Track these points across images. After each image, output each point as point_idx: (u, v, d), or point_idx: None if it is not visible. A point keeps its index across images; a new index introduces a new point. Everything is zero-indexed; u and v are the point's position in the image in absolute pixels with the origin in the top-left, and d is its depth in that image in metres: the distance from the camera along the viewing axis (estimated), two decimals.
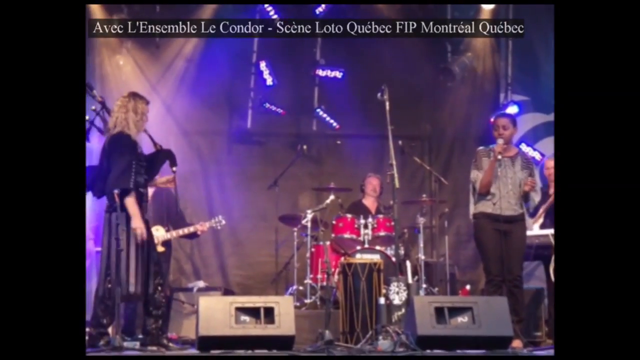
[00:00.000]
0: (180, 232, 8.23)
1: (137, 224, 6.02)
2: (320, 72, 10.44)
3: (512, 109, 10.35)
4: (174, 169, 6.44)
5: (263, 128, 10.55)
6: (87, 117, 6.35)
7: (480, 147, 7.09)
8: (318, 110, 10.47)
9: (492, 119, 7.16)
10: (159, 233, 8.00)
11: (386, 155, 6.74)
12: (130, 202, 6.01)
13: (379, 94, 6.86)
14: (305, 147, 9.77)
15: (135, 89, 9.54)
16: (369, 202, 9.45)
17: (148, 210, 6.57)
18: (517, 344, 6.23)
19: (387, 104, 6.82)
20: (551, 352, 5.96)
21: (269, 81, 10.29)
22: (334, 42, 10.48)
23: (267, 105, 10.32)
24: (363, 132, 10.30)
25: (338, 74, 10.42)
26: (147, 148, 6.48)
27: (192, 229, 8.31)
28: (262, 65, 10.26)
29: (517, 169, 6.88)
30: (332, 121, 10.52)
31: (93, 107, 6.46)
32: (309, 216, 8.83)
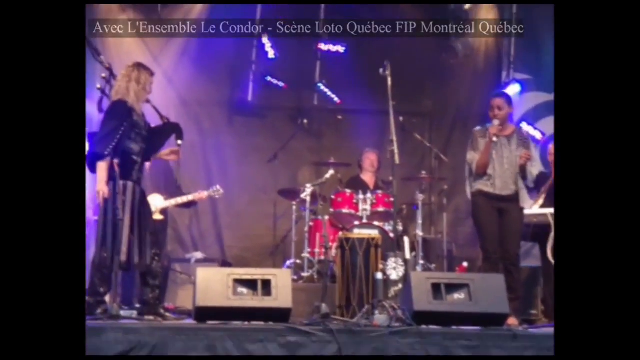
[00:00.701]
0: (179, 200, 8.25)
1: (99, 187, 6.03)
2: (323, 46, 10.39)
3: (514, 88, 10.33)
4: (179, 142, 6.44)
5: (264, 101, 10.52)
6: (98, 86, 6.36)
7: (477, 128, 7.10)
8: (319, 84, 10.44)
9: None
10: (157, 201, 8.02)
11: (387, 131, 6.73)
12: (101, 167, 6.03)
13: (381, 70, 6.84)
14: (305, 121, 9.78)
15: (137, 59, 9.61)
16: (367, 177, 9.46)
17: (145, 179, 6.58)
18: (512, 321, 6.28)
19: (389, 79, 6.81)
20: (546, 330, 6.02)
21: (271, 54, 10.26)
22: (337, 17, 10.44)
23: (269, 78, 10.30)
24: (364, 107, 10.27)
25: (340, 49, 10.38)
26: (153, 121, 6.49)
27: (190, 197, 8.34)
28: (264, 38, 10.22)
29: (513, 148, 6.91)
30: (333, 96, 10.49)
31: (103, 75, 6.44)
32: (308, 190, 8.84)
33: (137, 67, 6.33)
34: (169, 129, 6.44)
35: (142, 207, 6.20)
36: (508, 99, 7.07)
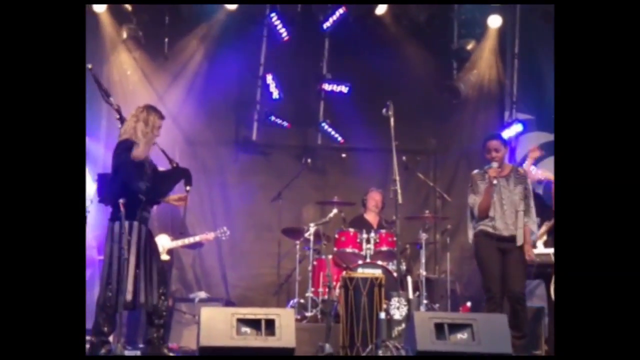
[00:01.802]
0: (186, 241, 8.27)
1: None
2: (326, 87, 10.49)
3: (517, 128, 10.39)
4: (188, 188, 6.42)
5: (268, 140, 10.60)
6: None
7: (475, 171, 7.13)
8: (323, 124, 10.52)
9: (483, 141, 7.19)
10: (164, 241, 8.04)
11: (391, 169, 6.77)
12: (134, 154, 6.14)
13: (384, 110, 6.90)
14: (309, 160, 9.82)
15: (142, 99, 9.69)
16: (371, 216, 9.48)
17: (152, 219, 6.59)
18: None
19: (392, 119, 6.86)
20: None
21: (275, 94, 10.35)
22: (340, 56, 10.57)
23: (273, 118, 10.39)
24: (368, 145, 10.34)
25: (344, 89, 10.47)
26: (160, 163, 6.53)
27: (197, 238, 8.36)
28: (269, 78, 10.33)
29: (511, 187, 6.94)
30: (336, 135, 10.57)
31: (117, 117, 6.48)
32: (312, 230, 8.85)
33: (146, 109, 6.37)
34: (178, 174, 6.43)
35: (148, 247, 6.19)
36: (503, 141, 7.14)
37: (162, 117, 6.41)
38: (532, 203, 6.93)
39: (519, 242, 6.82)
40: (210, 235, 8.52)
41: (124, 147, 6.17)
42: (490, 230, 6.87)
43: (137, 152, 6.12)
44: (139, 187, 6.16)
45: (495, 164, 6.89)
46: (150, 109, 6.38)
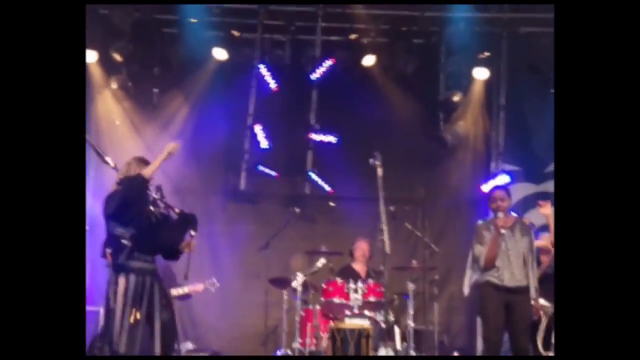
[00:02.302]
0: (175, 292, 8.22)
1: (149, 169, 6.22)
2: (315, 137, 10.56)
3: (503, 179, 10.46)
4: (193, 233, 6.40)
5: (257, 189, 10.63)
6: None
7: (480, 221, 7.20)
8: (311, 172, 10.56)
9: (487, 191, 7.24)
10: None
11: (379, 218, 6.80)
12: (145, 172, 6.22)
13: (371, 160, 6.96)
14: (298, 210, 9.83)
15: (130, 149, 9.75)
16: (359, 266, 9.47)
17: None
18: None
19: (379, 169, 6.91)
20: None
21: (264, 144, 10.41)
22: (328, 107, 10.67)
23: (261, 167, 10.43)
24: (356, 195, 10.37)
25: (332, 139, 10.54)
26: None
27: (186, 289, 8.32)
28: (257, 128, 10.40)
29: (517, 238, 6.99)
30: (324, 185, 10.61)
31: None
32: (300, 280, 8.83)
33: (135, 161, 6.40)
34: (185, 221, 6.43)
35: (140, 298, 6.11)
36: (508, 191, 7.20)
37: (145, 163, 6.42)
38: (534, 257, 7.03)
39: (532, 294, 6.82)
40: (200, 287, 8.50)
41: (111, 196, 6.19)
42: (496, 281, 6.90)
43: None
44: (120, 232, 6.11)
45: (501, 214, 6.95)
46: (139, 161, 6.42)
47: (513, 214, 7.25)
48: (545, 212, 7.26)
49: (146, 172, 6.19)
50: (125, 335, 5.97)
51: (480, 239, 7.06)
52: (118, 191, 6.15)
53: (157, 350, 6.04)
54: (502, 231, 6.87)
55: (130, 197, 6.14)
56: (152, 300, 6.17)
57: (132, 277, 6.12)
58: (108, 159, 6.50)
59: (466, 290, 7.10)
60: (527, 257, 6.92)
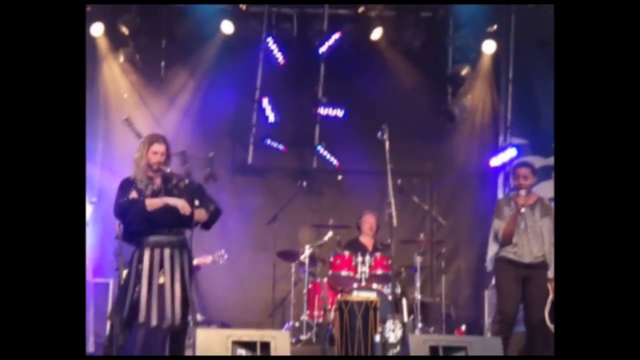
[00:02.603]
0: (202, 260, 8.29)
1: (173, 202, 6.17)
2: (322, 111, 10.55)
3: (511, 152, 10.45)
4: (197, 203, 6.38)
5: (264, 163, 10.65)
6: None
7: (501, 197, 7.31)
8: (319, 147, 10.56)
9: (512, 167, 7.28)
10: None
11: (386, 191, 6.81)
12: (149, 204, 6.17)
13: (379, 133, 6.95)
14: (305, 183, 9.84)
15: (139, 122, 9.75)
16: (366, 239, 9.50)
17: None
18: None
19: (387, 143, 6.91)
20: None
21: (271, 118, 10.41)
22: (336, 81, 10.65)
23: (269, 141, 10.44)
24: (364, 168, 10.40)
25: (339, 113, 10.53)
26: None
27: (195, 262, 8.35)
28: (265, 102, 10.39)
29: (537, 217, 7.00)
30: (332, 159, 10.61)
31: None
32: (307, 252, 8.87)
33: (147, 140, 6.46)
34: (191, 191, 6.44)
35: (157, 270, 6.18)
36: (533, 169, 7.18)
37: (157, 141, 6.42)
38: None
39: (551, 270, 6.85)
40: (208, 259, 8.54)
41: (121, 185, 6.32)
42: (512, 257, 6.93)
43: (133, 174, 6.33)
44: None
45: (523, 192, 6.94)
46: (151, 138, 6.49)
47: (535, 192, 7.25)
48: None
49: (149, 203, 6.19)
50: (145, 305, 6.05)
51: (499, 213, 7.07)
52: (117, 207, 6.21)
53: (177, 321, 6.10)
54: (523, 209, 6.88)
55: (129, 217, 6.20)
56: (173, 272, 6.23)
57: (147, 252, 6.20)
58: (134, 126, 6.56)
59: (489, 265, 7.13)
60: (546, 235, 6.92)
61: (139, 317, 5.98)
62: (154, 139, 6.47)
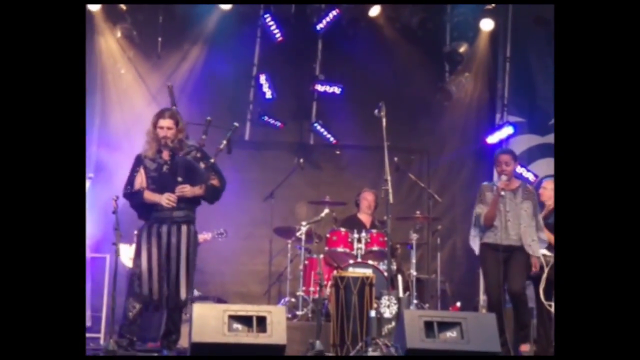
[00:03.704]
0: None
1: (156, 199, 6.37)
2: (319, 87, 10.54)
3: (508, 130, 10.47)
4: (204, 137, 6.60)
5: (261, 139, 10.66)
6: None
7: (485, 183, 7.54)
8: (316, 124, 10.57)
9: (495, 155, 7.49)
10: None
11: (383, 169, 6.84)
12: (147, 198, 6.40)
13: (376, 111, 6.97)
14: (302, 160, 9.84)
15: (136, 98, 9.75)
16: (364, 216, 9.52)
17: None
18: (524, 348, 6.81)
19: (384, 120, 6.92)
20: None
21: (268, 94, 10.40)
22: (333, 58, 10.64)
23: (266, 118, 10.44)
24: (361, 144, 10.42)
25: (337, 90, 10.52)
26: None
27: (200, 237, 8.42)
28: (262, 78, 10.38)
29: (518, 201, 7.19)
30: (329, 136, 10.62)
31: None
32: (304, 229, 8.90)
33: (156, 115, 6.61)
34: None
35: (156, 246, 6.36)
36: (514, 156, 7.40)
37: (159, 116, 6.49)
38: (540, 219, 7.23)
39: (534, 250, 7.11)
40: (208, 236, 8.59)
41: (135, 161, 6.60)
42: (491, 241, 7.14)
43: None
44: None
45: (504, 177, 7.15)
46: (156, 115, 6.61)
47: (519, 179, 7.54)
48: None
49: (147, 197, 6.42)
50: (147, 280, 6.25)
51: (482, 198, 7.29)
52: (123, 195, 6.49)
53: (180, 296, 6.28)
54: (502, 193, 7.07)
55: (133, 204, 6.56)
56: (174, 248, 6.37)
57: (162, 227, 6.38)
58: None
59: (476, 249, 7.33)
60: (525, 218, 7.13)
61: (142, 291, 6.14)
62: (160, 114, 6.60)
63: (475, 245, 7.32)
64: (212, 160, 6.60)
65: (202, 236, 8.47)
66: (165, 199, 6.37)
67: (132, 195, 6.47)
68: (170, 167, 6.45)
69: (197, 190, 6.54)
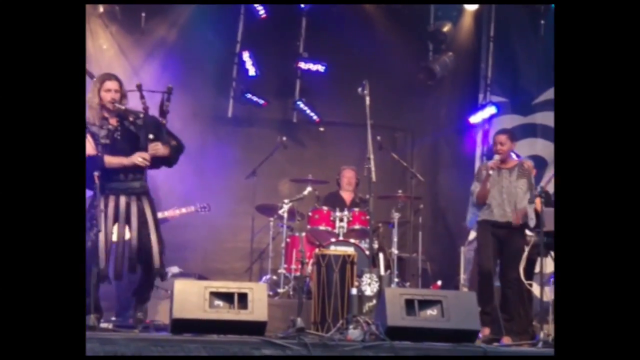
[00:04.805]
0: (178, 212, 8.36)
1: (125, 162, 6.11)
2: (303, 65, 10.51)
3: (490, 110, 10.50)
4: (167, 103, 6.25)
5: (244, 116, 10.64)
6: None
7: (485, 162, 7.65)
8: (299, 102, 10.55)
9: (493, 135, 7.73)
10: None
11: (366, 147, 6.84)
12: (108, 162, 6.10)
13: (359, 89, 6.96)
14: (284, 138, 9.83)
15: (118, 73, 9.64)
16: (345, 194, 9.55)
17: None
18: (507, 340, 6.76)
19: (368, 98, 6.92)
20: (515, 349, 6.19)
21: (252, 72, 10.36)
22: (317, 35, 10.60)
23: (249, 95, 10.40)
24: (345, 122, 10.43)
25: (320, 68, 10.50)
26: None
27: (165, 214, 8.40)
28: (245, 55, 10.33)
29: (512, 179, 7.33)
30: (312, 114, 10.61)
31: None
32: (286, 207, 8.91)
33: (99, 78, 6.33)
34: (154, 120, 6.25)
35: (135, 217, 6.17)
36: (510, 136, 7.55)
37: (106, 79, 6.29)
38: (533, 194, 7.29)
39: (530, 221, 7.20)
40: (191, 209, 8.60)
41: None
42: (487, 217, 7.30)
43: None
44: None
45: (497, 157, 7.37)
46: (97, 78, 6.36)
47: (515, 157, 7.65)
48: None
49: (108, 162, 6.09)
50: (113, 255, 6.07)
51: (479, 176, 7.48)
52: None
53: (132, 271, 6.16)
54: (491, 172, 7.25)
55: (88, 172, 5.93)
56: (143, 220, 6.20)
57: (123, 198, 6.18)
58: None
59: (468, 224, 7.58)
60: (520, 195, 7.24)
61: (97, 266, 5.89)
62: (105, 77, 6.34)
63: (470, 221, 7.49)
64: (163, 122, 6.25)
65: (171, 212, 8.46)
66: (140, 158, 6.09)
67: (88, 161, 5.91)
68: (122, 134, 6.24)
69: (165, 150, 6.28)
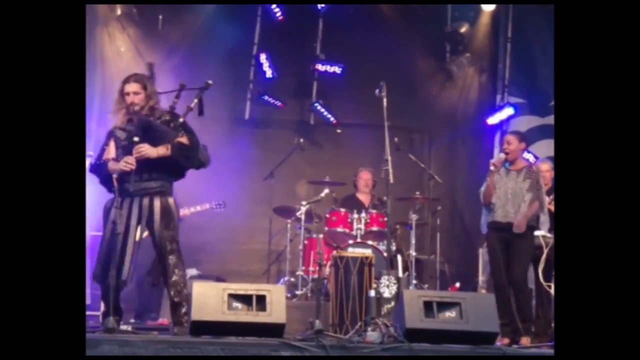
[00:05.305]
0: (193, 209, 8.40)
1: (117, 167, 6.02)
2: (320, 67, 10.51)
3: (508, 111, 10.46)
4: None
5: (261, 119, 10.65)
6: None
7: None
8: (316, 104, 10.55)
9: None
10: None
11: (384, 148, 6.82)
12: (111, 169, 6.05)
13: (377, 90, 6.95)
14: (302, 140, 9.84)
15: None
16: (363, 196, 9.53)
17: None
18: (525, 341, 6.79)
19: (385, 100, 6.91)
20: (536, 350, 6.14)
21: (269, 73, 10.38)
22: (334, 37, 10.60)
23: (266, 97, 10.41)
24: (362, 123, 10.41)
25: (337, 69, 10.50)
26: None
27: (199, 207, 8.46)
28: (263, 57, 10.35)
29: (519, 180, 7.23)
30: (329, 115, 10.61)
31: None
32: (303, 209, 8.91)
33: (121, 83, 6.26)
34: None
35: (153, 218, 6.05)
36: (519, 136, 7.47)
37: (124, 82, 6.21)
38: (542, 197, 7.22)
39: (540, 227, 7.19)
40: (205, 206, 8.65)
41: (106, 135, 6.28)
42: (492, 219, 7.22)
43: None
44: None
45: (502, 155, 7.28)
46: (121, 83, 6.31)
47: (526, 159, 7.77)
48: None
49: (111, 168, 6.03)
50: (130, 258, 6.02)
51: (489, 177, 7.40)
52: (90, 167, 6.12)
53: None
54: (492, 168, 7.17)
55: (101, 178, 6.12)
56: (155, 220, 6.07)
57: (139, 200, 6.12)
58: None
59: (484, 227, 7.37)
60: (525, 196, 7.15)
61: (124, 271, 5.84)
62: (125, 79, 6.24)
63: (482, 226, 7.39)
64: (180, 120, 6.14)
65: (183, 211, 8.48)
66: (123, 162, 5.93)
67: (96, 167, 6.03)
68: (157, 129, 6.15)
69: (162, 150, 6.03)
